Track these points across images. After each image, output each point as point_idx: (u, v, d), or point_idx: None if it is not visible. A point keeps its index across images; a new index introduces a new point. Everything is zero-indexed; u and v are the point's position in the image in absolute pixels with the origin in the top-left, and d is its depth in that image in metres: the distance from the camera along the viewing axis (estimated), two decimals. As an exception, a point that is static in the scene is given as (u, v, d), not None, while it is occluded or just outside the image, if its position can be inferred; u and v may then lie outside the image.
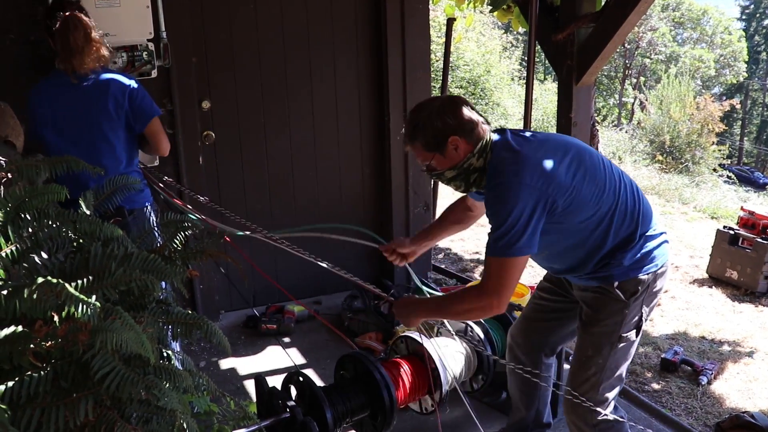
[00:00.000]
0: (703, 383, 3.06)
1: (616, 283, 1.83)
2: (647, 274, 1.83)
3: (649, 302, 1.88)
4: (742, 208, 4.94)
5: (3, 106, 2.40)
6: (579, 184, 1.73)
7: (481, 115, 1.84)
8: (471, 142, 1.78)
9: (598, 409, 1.90)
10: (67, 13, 2.30)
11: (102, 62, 2.39)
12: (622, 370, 1.92)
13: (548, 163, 1.70)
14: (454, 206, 2.28)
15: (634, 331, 1.88)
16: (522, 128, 2.18)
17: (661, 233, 1.90)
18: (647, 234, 1.85)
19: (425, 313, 1.96)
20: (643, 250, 1.83)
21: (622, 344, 1.87)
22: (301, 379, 2.15)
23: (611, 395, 1.92)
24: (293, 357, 3.34)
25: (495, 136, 1.83)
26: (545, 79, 21.81)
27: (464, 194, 2.10)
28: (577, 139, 1.98)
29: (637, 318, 1.87)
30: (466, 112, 1.80)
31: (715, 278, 4.74)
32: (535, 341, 2.19)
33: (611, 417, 1.92)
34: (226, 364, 3.29)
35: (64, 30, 2.29)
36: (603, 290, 1.86)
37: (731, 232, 4.68)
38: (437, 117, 1.77)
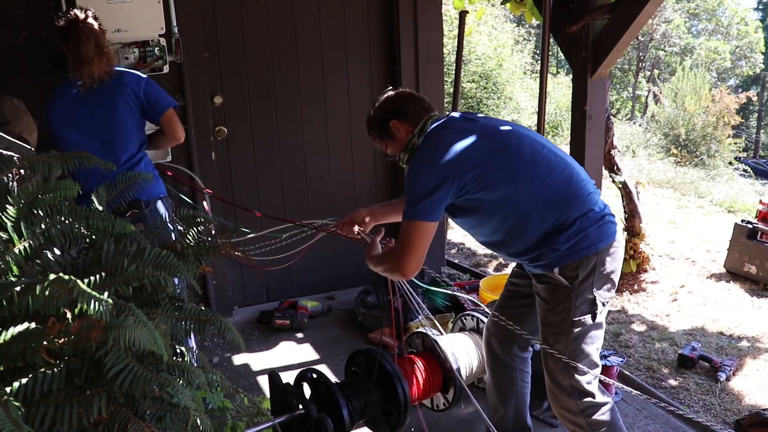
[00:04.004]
0: (721, 380, 3.01)
1: (556, 270, 1.86)
2: (586, 256, 1.84)
3: (601, 285, 1.88)
4: (761, 202, 4.86)
5: (16, 103, 2.42)
6: (488, 164, 1.83)
7: (424, 102, 2.06)
8: (410, 123, 2.01)
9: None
10: (80, 24, 2.34)
11: (111, 66, 2.45)
12: (591, 354, 1.92)
13: (458, 146, 1.85)
14: None
15: (589, 315, 1.87)
16: (475, 112, 2.23)
17: (604, 214, 1.90)
18: (583, 216, 1.85)
19: (373, 262, 2.05)
20: (580, 233, 1.84)
21: (577, 329, 1.87)
22: (315, 375, 2.14)
23: (587, 379, 1.91)
24: (307, 352, 3.34)
25: (441, 118, 2.01)
26: (557, 72, 21.63)
27: None
28: (523, 127, 2.05)
29: (588, 302, 1.87)
30: (402, 100, 2.05)
31: (732, 273, 4.67)
32: (508, 330, 2.17)
33: (599, 400, 1.92)
34: (239, 359, 3.30)
35: (77, 41, 2.33)
36: (548, 278, 1.90)
37: (750, 226, 4.61)
38: (378, 110, 2.06)
